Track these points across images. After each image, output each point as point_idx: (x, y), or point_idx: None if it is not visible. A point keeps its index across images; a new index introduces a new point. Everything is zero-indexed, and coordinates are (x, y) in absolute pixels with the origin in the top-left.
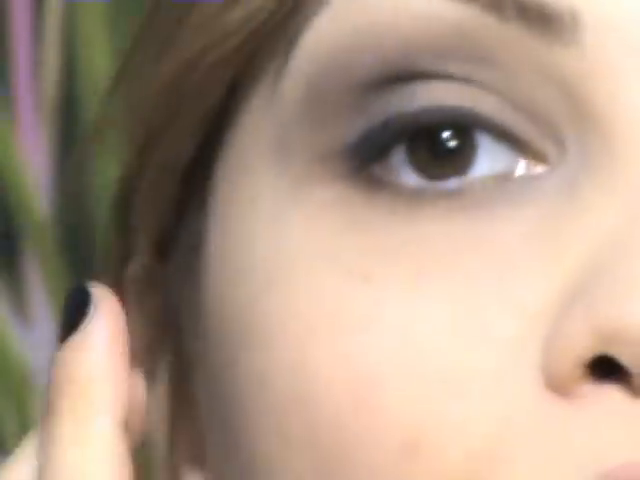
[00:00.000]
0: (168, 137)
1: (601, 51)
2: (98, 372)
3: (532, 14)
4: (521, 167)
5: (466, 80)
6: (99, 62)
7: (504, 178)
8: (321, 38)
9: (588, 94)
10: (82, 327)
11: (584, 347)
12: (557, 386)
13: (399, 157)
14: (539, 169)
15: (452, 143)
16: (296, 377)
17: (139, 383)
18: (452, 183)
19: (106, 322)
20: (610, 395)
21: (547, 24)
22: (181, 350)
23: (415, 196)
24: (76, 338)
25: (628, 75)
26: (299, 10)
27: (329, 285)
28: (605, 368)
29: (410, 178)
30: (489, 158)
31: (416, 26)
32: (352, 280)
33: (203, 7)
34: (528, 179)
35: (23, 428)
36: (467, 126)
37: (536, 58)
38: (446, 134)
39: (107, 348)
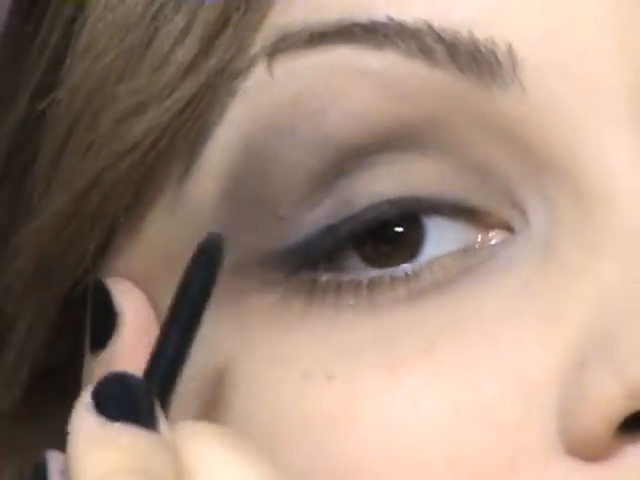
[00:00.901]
0: (60, 265)
1: (546, 91)
2: None
3: (463, 54)
4: (481, 237)
5: (406, 154)
6: None
7: (465, 252)
8: (237, 129)
9: (538, 143)
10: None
11: (617, 409)
12: (587, 451)
13: (346, 251)
14: (501, 236)
15: (397, 232)
16: None
17: None
18: (405, 268)
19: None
20: None
21: (481, 64)
22: None
23: (372, 287)
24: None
25: (579, 116)
26: (202, 112)
27: (285, 388)
28: (632, 423)
29: (361, 269)
30: (442, 237)
31: (340, 92)
32: (313, 380)
33: (98, 126)
34: (491, 248)
35: None
36: (412, 213)
37: (474, 106)
38: (390, 225)
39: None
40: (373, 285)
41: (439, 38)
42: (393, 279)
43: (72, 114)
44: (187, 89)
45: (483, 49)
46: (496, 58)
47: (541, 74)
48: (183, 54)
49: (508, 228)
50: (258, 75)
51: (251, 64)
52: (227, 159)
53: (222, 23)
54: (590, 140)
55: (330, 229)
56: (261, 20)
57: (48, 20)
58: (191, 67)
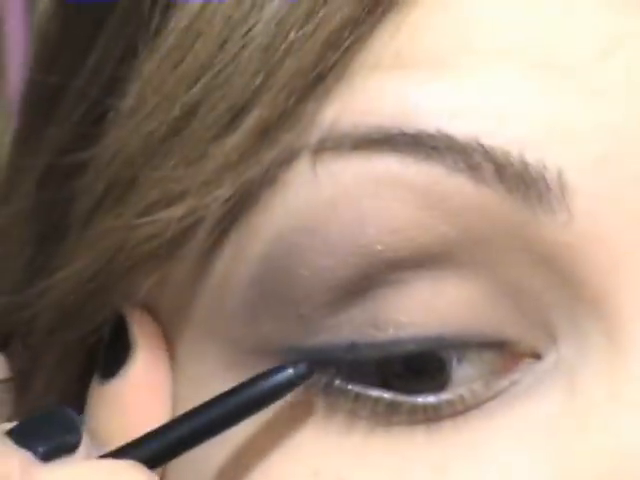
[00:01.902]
0: (81, 319)
1: (594, 220)
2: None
3: (512, 175)
4: (506, 366)
5: (441, 272)
6: None
7: (488, 382)
8: (270, 219)
9: (579, 272)
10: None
11: None
12: None
13: (367, 367)
14: (527, 362)
15: (424, 364)
16: None
17: None
18: (430, 398)
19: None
20: None
21: (529, 187)
22: None
23: (390, 407)
24: (116, 384)
25: (624, 251)
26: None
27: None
28: None
29: (382, 391)
30: (467, 368)
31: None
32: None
33: (128, 202)
34: (515, 374)
35: None
36: (437, 351)
37: (517, 228)
38: (417, 357)
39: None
40: (392, 406)
41: (488, 156)
42: (414, 404)
43: (109, 174)
44: (228, 185)
45: (533, 172)
46: (545, 183)
47: (590, 203)
48: (228, 148)
49: (535, 354)
50: (300, 169)
51: (294, 157)
52: (257, 247)
53: (269, 122)
54: (632, 279)
55: (353, 346)
56: (311, 116)
57: (89, 73)
58: (237, 161)
